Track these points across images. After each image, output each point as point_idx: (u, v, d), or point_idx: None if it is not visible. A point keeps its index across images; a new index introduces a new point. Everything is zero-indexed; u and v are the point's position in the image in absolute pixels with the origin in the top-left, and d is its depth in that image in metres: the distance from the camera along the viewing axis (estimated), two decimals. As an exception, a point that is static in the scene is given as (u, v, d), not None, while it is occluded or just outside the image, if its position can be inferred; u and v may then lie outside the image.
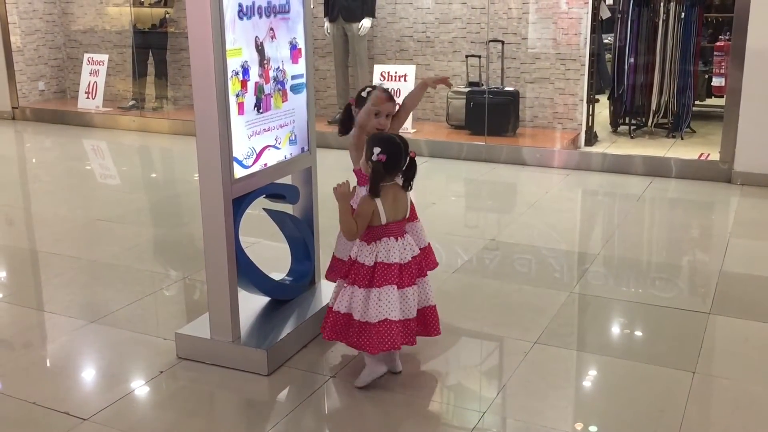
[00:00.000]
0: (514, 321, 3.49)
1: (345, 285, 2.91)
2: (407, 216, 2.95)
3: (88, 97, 8.75)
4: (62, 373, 3.13)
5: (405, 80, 7.13)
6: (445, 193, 5.88)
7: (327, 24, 7.43)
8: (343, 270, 2.97)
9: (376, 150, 2.77)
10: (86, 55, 8.89)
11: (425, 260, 3.11)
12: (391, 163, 2.80)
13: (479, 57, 7.23)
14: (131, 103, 8.73)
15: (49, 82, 9.47)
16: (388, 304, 2.80)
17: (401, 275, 2.85)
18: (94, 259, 4.39)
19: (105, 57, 8.79)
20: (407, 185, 2.92)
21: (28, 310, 3.74)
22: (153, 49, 8.70)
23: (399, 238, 2.88)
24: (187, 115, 8.30)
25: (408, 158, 2.86)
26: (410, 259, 2.90)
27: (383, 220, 2.84)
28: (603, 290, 3.90)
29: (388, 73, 7.19)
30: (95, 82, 8.73)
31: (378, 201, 2.82)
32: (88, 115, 8.59)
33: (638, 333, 3.50)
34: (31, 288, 4.11)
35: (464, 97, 7.04)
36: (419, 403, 2.88)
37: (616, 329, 3.54)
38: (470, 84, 7.19)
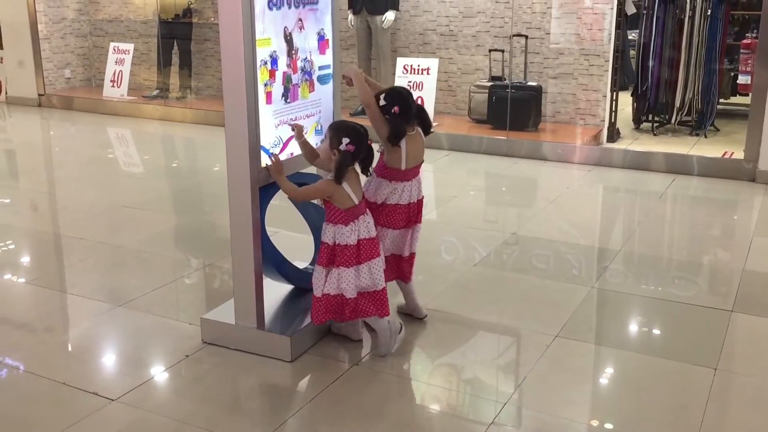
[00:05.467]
0: (535, 315, 3.51)
1: (332, 268, 2.98)
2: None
3: (113, 86, 8.84)
4: (90, 355, 3.19)
5: (428, 74, 7.14)
6: (466, 187, 5.89)
7: (351, 16, 7.45)
8: (325, 257, 3.01)
9: (345, 140, 2.88)
10: (112, 44, 8.98)
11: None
12: (357, 152, 2.92)
13: (502, 51, 7.22)
14: (155, 92, 8.81)
15: (75, 70, 9.57)
16: (379, 273, 3.00)
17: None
18: (119, 244, 4.45)
19: (131, 46, 8.87)
20: (366, 172, 3.09)
21: (55, 292, 3.81)
22: (178, 39, 8.77)
23: (367, 213, 3.05)
24: (210, 105, 8.37)
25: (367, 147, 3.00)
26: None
27: (356, 201, 2.96)
28: (624, 286, 3.90)
29: (411, 66, 7.20)
30: (120, 71, 8.82)
31: (345, 185, 2.94)
32: (112, 104, 8.68)
33: (659, 329, 3.50)
34: (57, 272, 4.18)
35: (487, 91, 7.04)
36: (441, 394, 2.91)
37: (636, 325, 3.55)
38: (493, 78, 7.19)
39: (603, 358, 3.22)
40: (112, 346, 3.30)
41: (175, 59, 8.87)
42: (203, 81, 9.04)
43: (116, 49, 8.90)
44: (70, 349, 3.26)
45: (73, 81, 9.52)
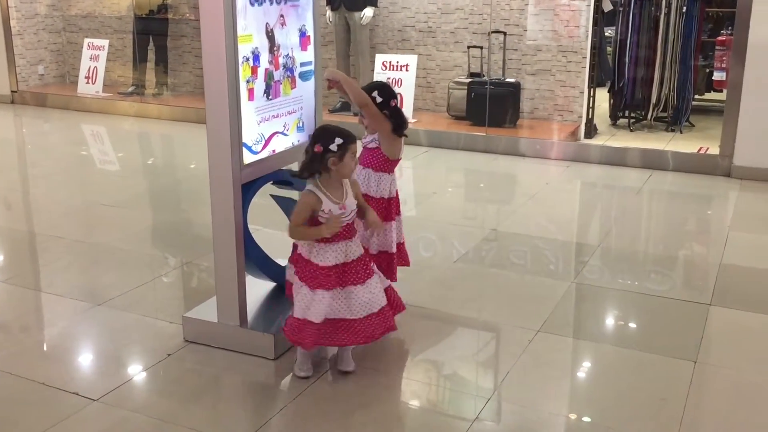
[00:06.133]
0: (516, 310, 3.53)
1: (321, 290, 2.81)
2: None
3: (88, 82, 8.72)
4: (70, 355, 3.16)
5: (407, 70, 7.14)
6: (446, 184, 5.91)
7: (329, 13, 7.43)
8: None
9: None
10: (86, 40, 8.87)
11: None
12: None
13: (481, 48, 7.24)
14: (131, 88, 8.71)
15: (49, 66, 9.43)
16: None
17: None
18: (96, 242, 4.40)
19: (105, 42, 8.77)
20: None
21: (32, 292, 3.76)
22: (153, 35, 8.68)
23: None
24: (186, 102, 8.30)
25: None
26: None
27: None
28: (603, 281, 3.94)
29: (390, 62, 7.20)
30: (95, 67, 8.71)
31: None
32: (87, 100, 8.58)
33: (639, 323, 3.54)
34: (33, 271, 4.13)
35: (466, 87, 7.06)
36: (424, 390, 2.92)
37: (617, 319, 3.58)
38: (471, 75, 7.21)
39: (584, 352, 3.25)
40: (92, 346, 3.26)
41: (151, 55, 8.78)
42: (180, 77, 8.96)
43: (91, 45, 8.79)
44: (48, 349, 3.22)
45: (46, 77, 9.38)
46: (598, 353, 3.21)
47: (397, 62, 7.17)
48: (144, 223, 4.88)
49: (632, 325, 3.54)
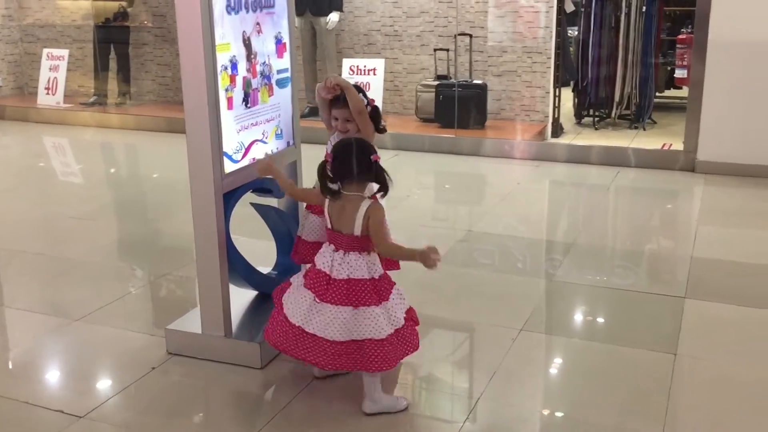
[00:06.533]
0: (498, 310, 3.56)
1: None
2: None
3: (48, 93, 8.57)
4: (51, 372, 3.10)
5: (374, 74, 7.16)
6: (418, 186, 5.93)
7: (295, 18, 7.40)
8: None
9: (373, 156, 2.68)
10: (45, 50, 8.71)
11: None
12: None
13: (447, 50, 7.29)
14: (93, 98, 8.58)
15: (6, 78, 9.24)
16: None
17: None
18: (64, 257, 4.32)
19: (65, 52, 8.62)
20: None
21: (3, 308, 3.68)
22: (115, 44, 8.57)
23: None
24: (150, 111, 8.20)
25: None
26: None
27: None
28: (581, 278, 4.00)
29: (357, 66, 7.21)
30: (55, 77, 8.56)
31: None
32: (48, 112, 8.42)
33: (619, 318, 3.59)
34: (1, 287, 4.04)
35: (433, 90, 7.10)
36: (414, 393, 2.93)
37: (597, 315, 3.64)
38: (438, 77, 7.26)
39: (568, 349, 3.29)
40: (73, 362, 3.20)
41: (113, 64, 8.67)
42: (142, 86, 8.86)
43: (50, 56, 8.64)
44: (28, 366, 3.15)
45: (4, 89, 9.19)
46: (582, 349, 3.26)
47: (365, 66, 7.19)
48: (112, 236, 4.82)
49: (612, 320, 3.60)
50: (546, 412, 2.78)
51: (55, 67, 8.59)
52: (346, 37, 7.73)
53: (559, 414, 2.77)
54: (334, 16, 7.28)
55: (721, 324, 3.45)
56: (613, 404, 2.80)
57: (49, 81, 8.60)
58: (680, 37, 6.98)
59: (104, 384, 2.97)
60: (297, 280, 2.81)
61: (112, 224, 5.10)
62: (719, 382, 2.95)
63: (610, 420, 2.69)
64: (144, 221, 5.17)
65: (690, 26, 7.01)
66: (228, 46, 2.92)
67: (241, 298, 3.34)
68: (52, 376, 3.07)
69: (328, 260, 2.69)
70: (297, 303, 2.72)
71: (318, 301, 2.67)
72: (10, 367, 3.13)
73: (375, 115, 3.10)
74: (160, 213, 5.23)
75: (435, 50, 7.35)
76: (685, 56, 6.46)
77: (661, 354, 3.13)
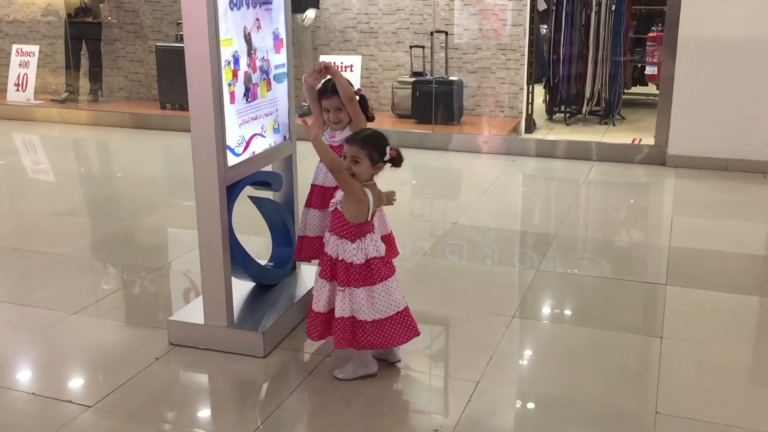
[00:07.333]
0: (490, 298, 3.67)
1: (339, 288, 2.82)
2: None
3: (18, 90, 8.46)
4: (56, 365, 3.11)
5: (351, 71, 7.23)
6: (400, 181, 6.01)
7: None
8: (327, 270, 2.86)
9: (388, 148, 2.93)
10: (15, 46, 8.59)
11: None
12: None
13: (423, 47, 7.40)
14: (65, 95, 8.50)
15: (-27, 74, 9.09)
16: (397, 295, 2.84)
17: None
18: (55, 252, 4.32)
19: (35, 48, 8.51)
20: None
21: (2, 304, 3.67)
22: (86, 40, 8.49)
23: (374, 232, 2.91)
24: (122, 107, 8.15)
25: None
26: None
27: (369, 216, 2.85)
28: (566, 267, 4.13)
29: (335, 63, 7.25)
30: (26, 74, 8.46)
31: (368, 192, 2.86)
32: (18, 108, 8.32)
33: (606, 305, 3.72)
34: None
35: (410, 86, 7.20)
36: (416, 380, 3.01)
37: (585, 302, 3.77)
38: (415, 74, 7.36)
39: (560, 335, 3.40)
40: (77, 354, 3.22)
41: (84, 60, 8.59)
42: (114, 82, 8.79)
43: (20, 51, 8.52)
44: (33, 359, 3.17)
45: (-29, 86, 9.04)
46: (573, 335, 3.38)
47: (342, 63, 7.25)
48: (98, 232, 4.81)
49: (599, 307, 3.72)
50: (544, 394, 2.88)
51: (25, 63, 8.48)
52: (321, 33, 7.79)
53: (558, 396, 2.88)
54: (310, 13, 7.33)
55: (700, 308, 3.61)
56: (607, 385, 2.92)
57: (19, 77, 8.48)
58: (651, 35, 7.19)
59: (110, 375, 2.99)
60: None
61: (94, 220, 5.08)
62: (704, 363, 3.10)
63: (606, 399, 2.81)
64: (128, 217, 5.17)
65: (660, 24, 7.22)
66: (231, 42, 2.97)
67: (242, 288, 3.39)
68: (57, 368, 3.08)
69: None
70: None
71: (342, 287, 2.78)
72: (12, 361, 3.13)
73: (363, 103, 3.20)
74: (141, 209, 5.23)
75: (411, 47, 7.45)
76: (656, 53, 6.66)
77: (649, 338, 3.27)
